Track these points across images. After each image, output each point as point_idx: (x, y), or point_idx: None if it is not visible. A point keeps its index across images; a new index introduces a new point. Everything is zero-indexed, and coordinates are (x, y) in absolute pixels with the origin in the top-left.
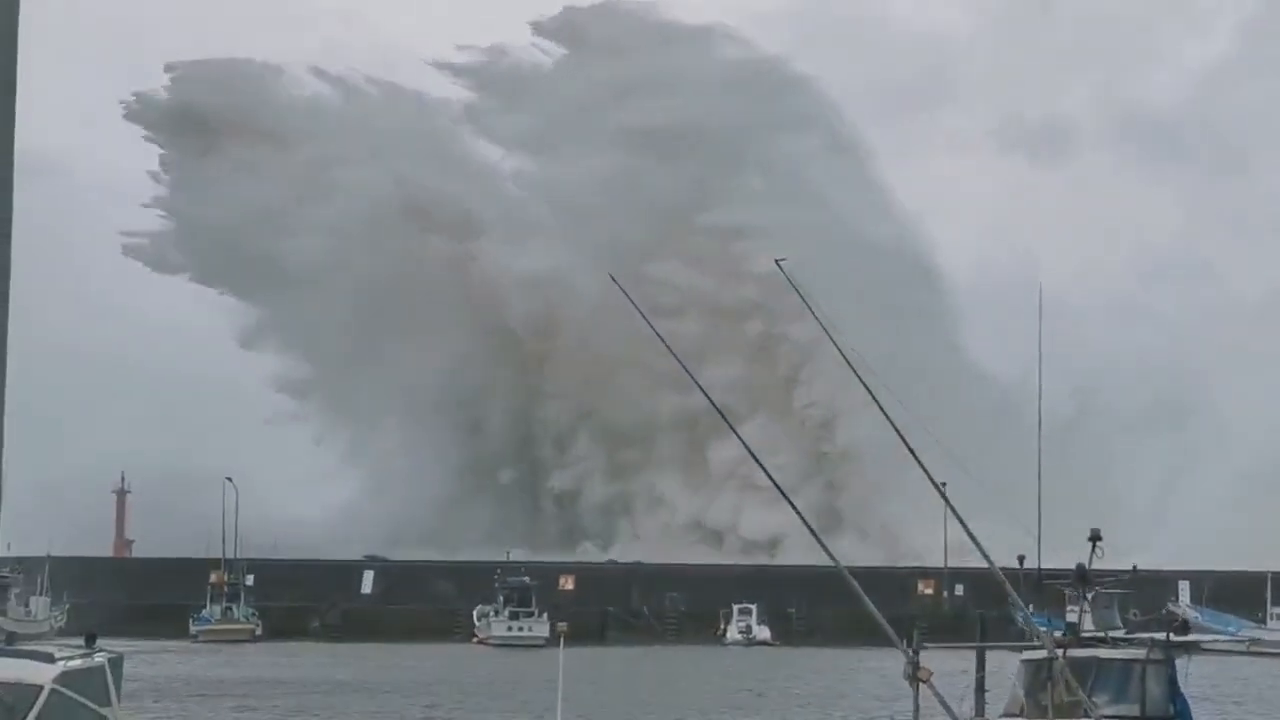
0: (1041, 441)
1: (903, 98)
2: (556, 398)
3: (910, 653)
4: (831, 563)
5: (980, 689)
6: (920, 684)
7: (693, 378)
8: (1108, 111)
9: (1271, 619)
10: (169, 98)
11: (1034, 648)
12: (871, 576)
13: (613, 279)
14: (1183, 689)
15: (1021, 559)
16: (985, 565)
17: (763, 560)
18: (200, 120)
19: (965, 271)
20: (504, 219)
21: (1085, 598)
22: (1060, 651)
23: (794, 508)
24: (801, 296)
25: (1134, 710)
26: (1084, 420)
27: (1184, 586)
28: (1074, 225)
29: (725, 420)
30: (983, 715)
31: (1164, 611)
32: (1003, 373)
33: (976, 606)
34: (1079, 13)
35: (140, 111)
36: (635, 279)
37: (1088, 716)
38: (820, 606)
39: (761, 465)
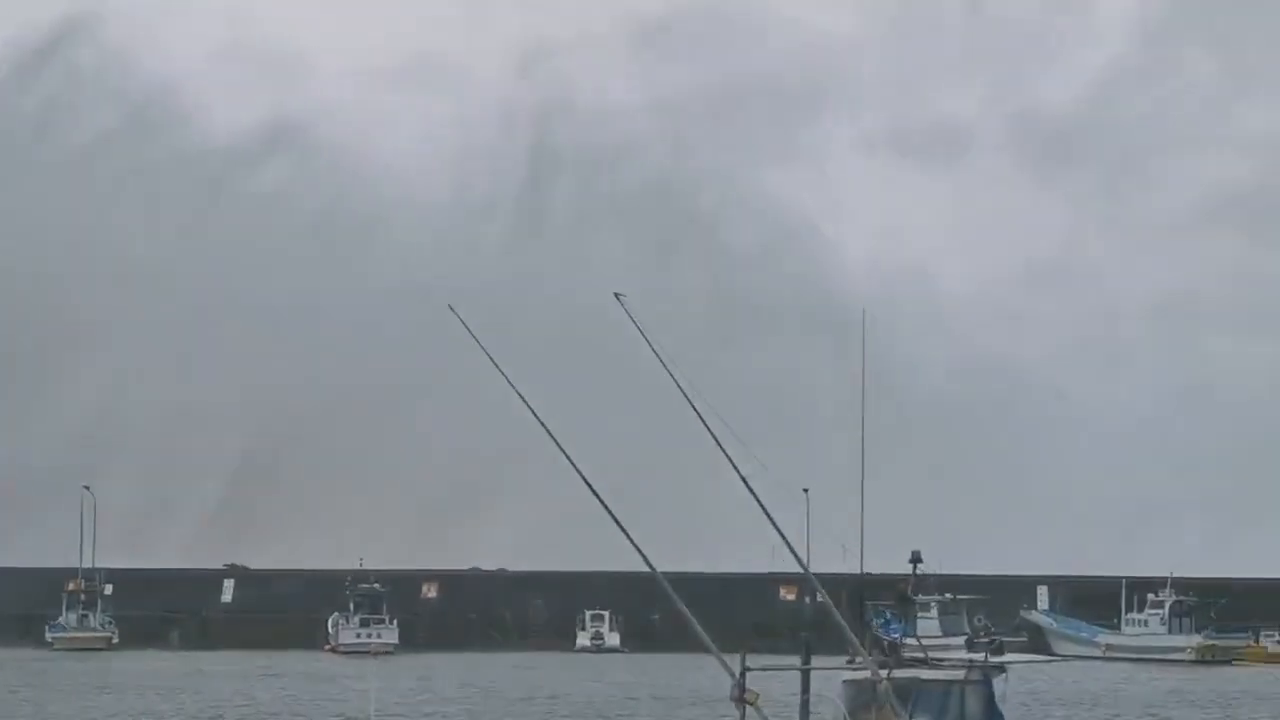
0: (865, 456)
1: (793, 100)
2: None
3: (737, 675)
4: (700, 570)
5: (805, 710)
6: (747, 705)
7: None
8: (999, 116)
9: (1126, 624)
10: None
11: (857, 668)
12: (734, 582)
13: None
14: (1000, 706)
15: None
16: (852, 572)
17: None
18: None
19: (861, 277)
20: None
21: (901, 617)
22: (884, 674)
23: (613, 517)
24: (639, 329)
25: None
26: (970, 424)
27: (1042, 591)
28: (965, 230)
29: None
30: None
31: (1017, 619)
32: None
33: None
34: (970, 15)
35: None
36: None
37: None
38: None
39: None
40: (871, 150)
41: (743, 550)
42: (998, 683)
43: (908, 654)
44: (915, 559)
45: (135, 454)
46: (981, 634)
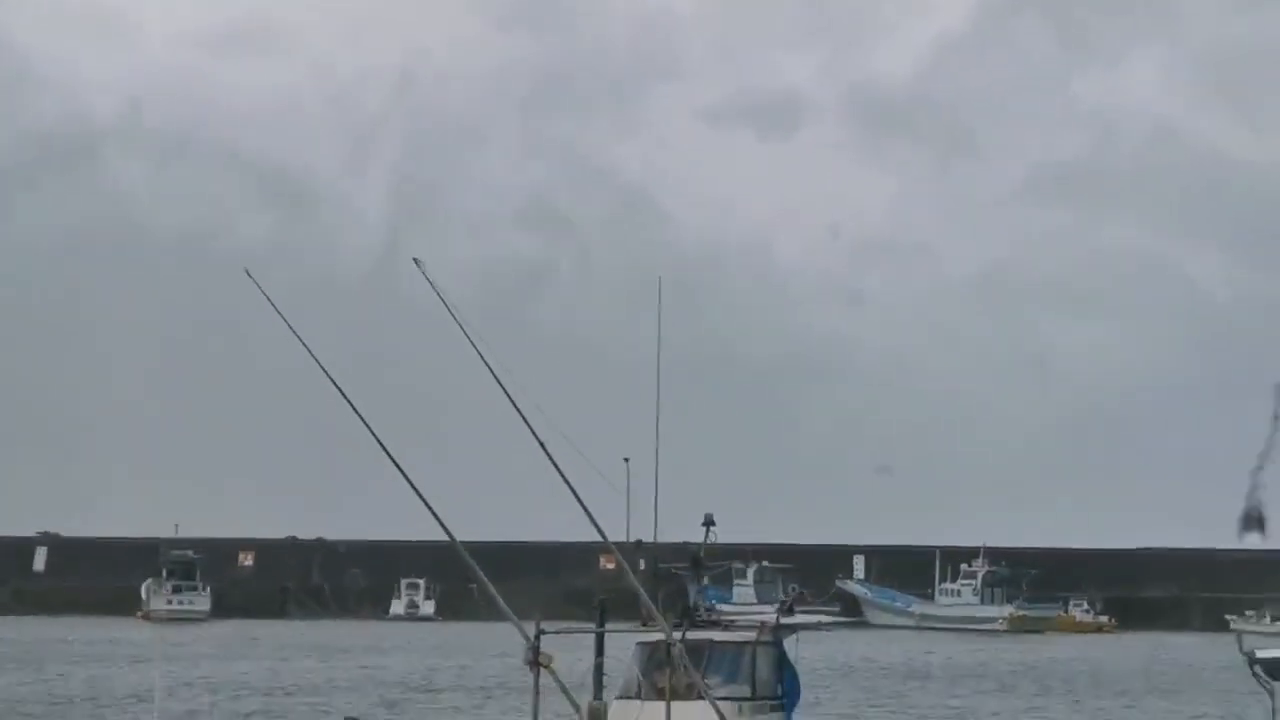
0: (659, 425)
1: (629, 70)
2: None
3: (531, 638)
4: (522, 538)
5: (599, 673)
6: (541, 668)
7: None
8: (834, 88)
9: (940, 594)
10: None
11: (651, 631)
12: (557, 551)
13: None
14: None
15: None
16: (672, 542)
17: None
18: None
19: (697, 246)
20: None
21: (698, 581)
22: (677, 636)
23: (412, 486)
24: (440, 295)
25: (744, 691)
26: (796, 394)
27: (859, 561)
28: (798, 201)
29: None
30: (600, 699)
31: (834, 588)
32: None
33: (657, 582)
34: None
35: None
36: None
37: (701, 698)
38: (506, 581)
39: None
40: (708, 122)
41: (572, 520)
42: (788, 643)
43: (701, 616)
44: (708, 522)
45: None
46: (795, 603)
